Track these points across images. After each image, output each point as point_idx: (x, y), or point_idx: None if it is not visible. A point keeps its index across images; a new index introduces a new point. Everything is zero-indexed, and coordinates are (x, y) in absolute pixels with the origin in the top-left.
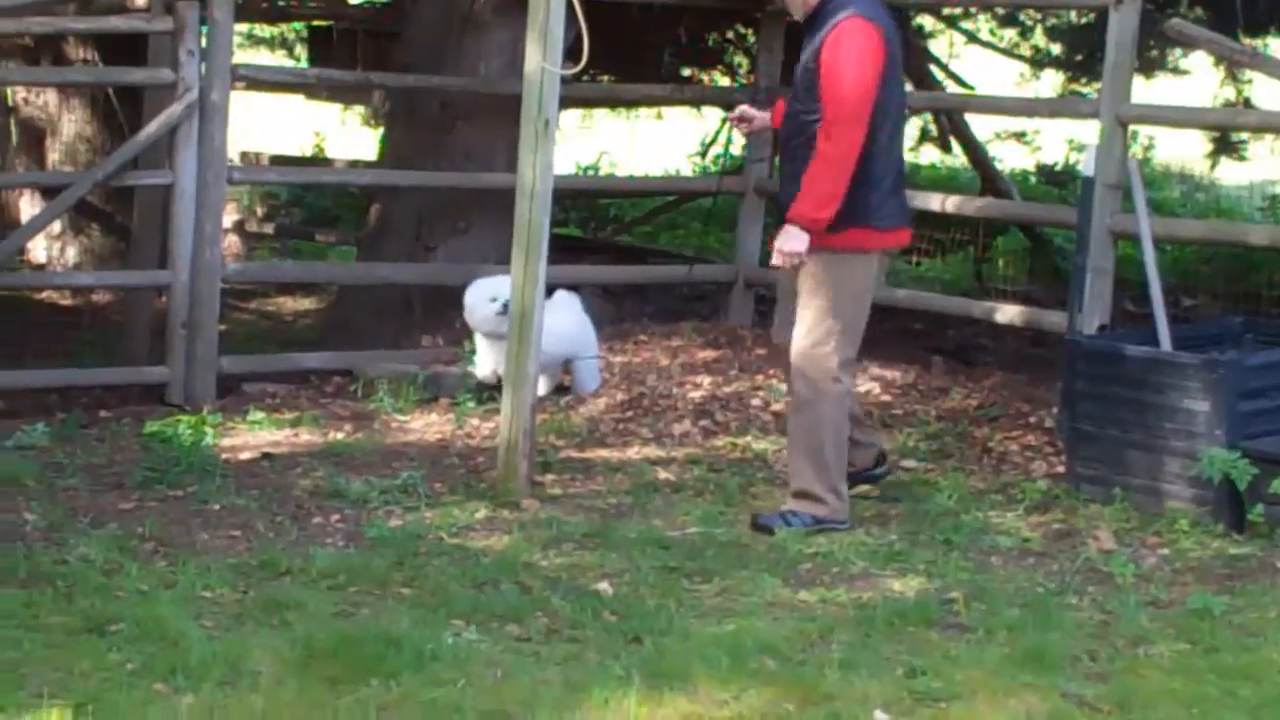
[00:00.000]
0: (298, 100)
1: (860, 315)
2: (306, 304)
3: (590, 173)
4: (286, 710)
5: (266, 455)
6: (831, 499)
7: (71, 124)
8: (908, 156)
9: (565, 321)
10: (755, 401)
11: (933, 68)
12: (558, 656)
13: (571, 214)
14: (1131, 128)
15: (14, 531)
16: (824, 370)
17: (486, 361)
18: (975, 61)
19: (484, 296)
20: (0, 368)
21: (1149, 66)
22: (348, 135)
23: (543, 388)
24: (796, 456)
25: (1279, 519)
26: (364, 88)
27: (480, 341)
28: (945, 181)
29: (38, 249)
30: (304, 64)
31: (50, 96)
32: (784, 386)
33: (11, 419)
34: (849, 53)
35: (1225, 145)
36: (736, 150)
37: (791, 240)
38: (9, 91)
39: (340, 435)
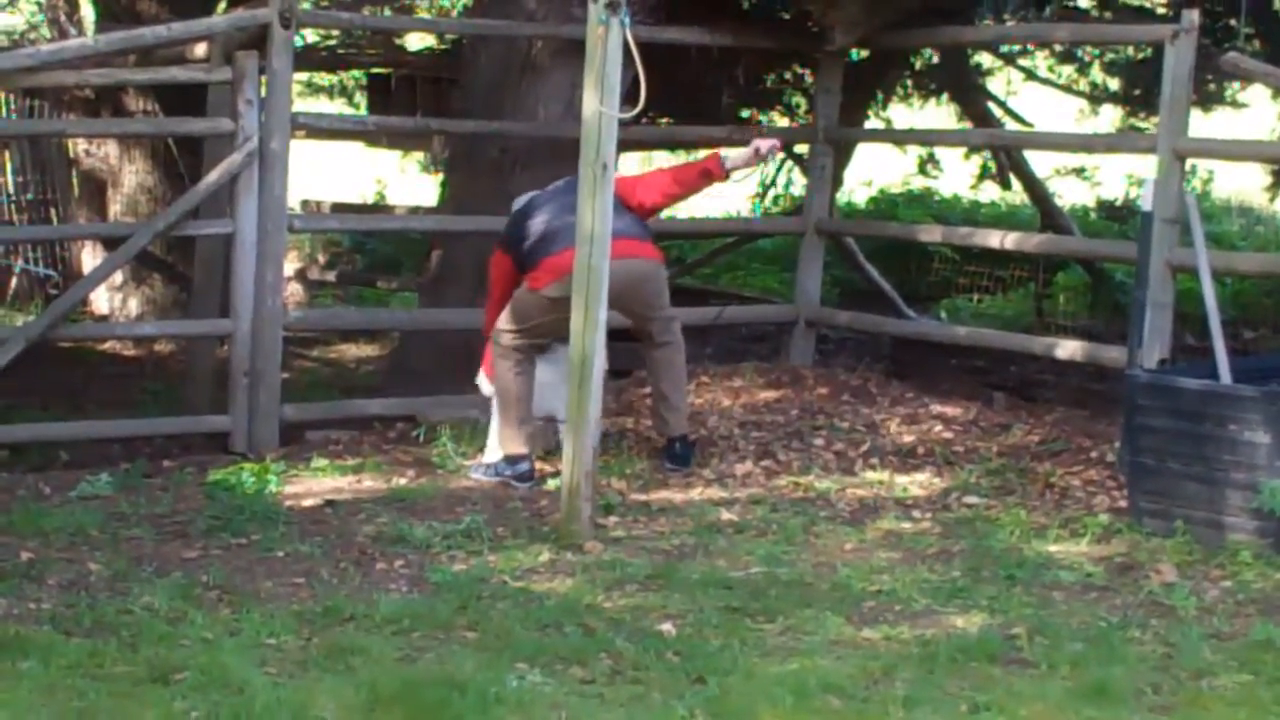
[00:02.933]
0: (358, 148)
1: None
2: (369, 350)
3: None
4: None
5: (330, 502)
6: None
7: (132, 175)
8: (968, 194)
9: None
10: (817, 441)
11: (991, 105)
12: (622, 698)
13: None
14: (1190, 161)
15: (78, 581)
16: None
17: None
18: (1034, 98)
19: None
20: (64, 419)
21: (1207, 100)
22: (408, 182)
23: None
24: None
25: None
26: (423, 134)
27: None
28: (1005, 218)
29: (100, 300)
30: (363, 112)
31: (111, 148)
32: (844, 425)
33: (76, 469)
34: None
35: None
36: (796, 190)
37: None
38: (70, 144)
39: (403, 481)
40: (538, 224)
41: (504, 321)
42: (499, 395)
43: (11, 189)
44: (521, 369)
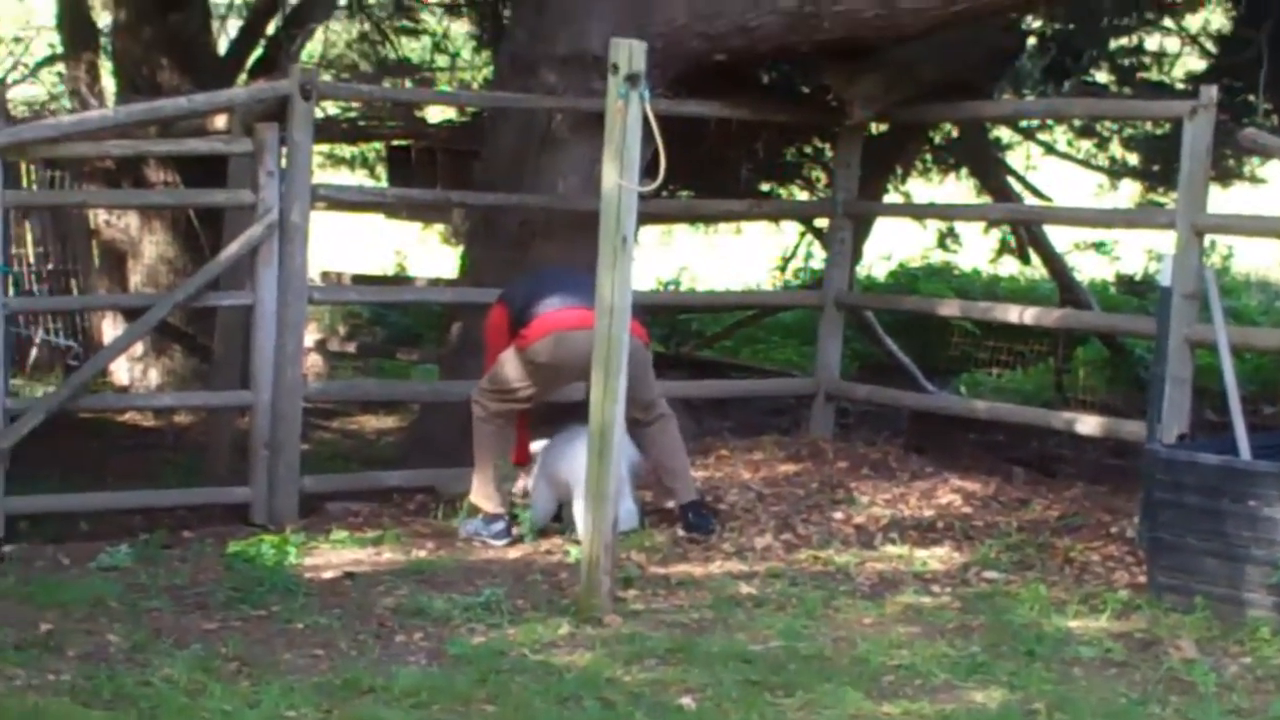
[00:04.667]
0: (378, 219)
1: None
2: (389, 422)
3: (670, 288)
4: None
5: (349, 574)
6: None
7: (153, 246)
8: (988, 268)
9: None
10: (837, 515)
11: (1010, 179)
12: None
13: (652, 329)
14: (1209, 237)
15: (98, 653)
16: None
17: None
18: (1053, 172)
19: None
20: (84, 489)
21: (1226, 175)
22: (428, 253)
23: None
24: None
25: None
26: (443, 206)
27: (540, 485)
28: (1025, 293)
29: (120, 370)
30: (384, 183)
31: (132, 219)
32: (864, 498)
33: (95, 540)
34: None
35: None
36: (816, 264)
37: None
38: (91, 214)
39: (423, 553)
40: (539, 286)
41: (485, 382)
42: (477, 453)
43: (32, 259)
44: (500, 427)
